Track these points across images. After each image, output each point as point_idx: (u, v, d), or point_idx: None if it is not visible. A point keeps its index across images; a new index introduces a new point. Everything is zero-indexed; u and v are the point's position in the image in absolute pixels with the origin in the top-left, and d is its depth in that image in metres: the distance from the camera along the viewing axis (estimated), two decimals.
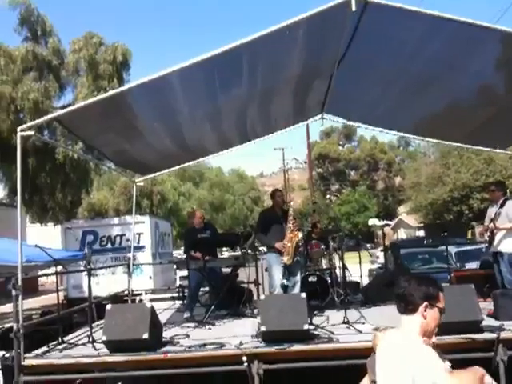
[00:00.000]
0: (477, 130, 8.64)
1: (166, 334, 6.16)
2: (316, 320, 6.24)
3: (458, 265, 11.95)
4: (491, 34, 5.57)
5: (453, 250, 14.64)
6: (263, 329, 5.24)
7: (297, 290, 6.95)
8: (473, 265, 11.03)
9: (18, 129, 5.46)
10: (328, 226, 40.49)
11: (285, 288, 6.91)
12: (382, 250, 20.77)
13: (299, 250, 7.22)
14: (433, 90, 7.56)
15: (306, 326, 5.24)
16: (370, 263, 16.14)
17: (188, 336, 6.09)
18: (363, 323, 6.20)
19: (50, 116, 6.71)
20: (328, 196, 60.25)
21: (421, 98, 7.96)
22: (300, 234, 7.02)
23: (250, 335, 5.74)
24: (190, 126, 7.60)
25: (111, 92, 5.63)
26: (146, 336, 5.23)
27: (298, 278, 7.04)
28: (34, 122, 5.96)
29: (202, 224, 7.94)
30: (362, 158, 68.69)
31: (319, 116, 9.40)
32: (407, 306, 2.31)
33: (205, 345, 5.43)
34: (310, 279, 7.74)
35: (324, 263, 8.25)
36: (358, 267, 8.90)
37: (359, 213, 55.53)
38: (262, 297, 5.70)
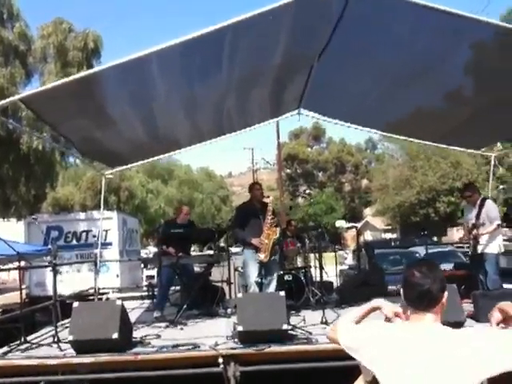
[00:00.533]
0: (455, 130, 8.62)
1: (136, 334, 5.85)
2: (292, 320, 5.99)
3: None
4: (475, 26, 5.47)
5: (422, 251, 14.73)
6: (240, 328, 5.00)
7: (272, 288, 6.72)
8: (446, 266, 11.03)
9: None
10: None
11: (260, 286, 6.67)
12: (353, 251, 20.84)
13: (276, 248, 6.99)
14: (414, 86, 7.43)
15: (284, 326, 5.03)
16: (338, 264, 16.06)
17: (159, 336, 5.78)
18: None
19: (16, 97, 6.31)
20: (306, 193, 60.34)
21: (401, 95, 7.86)
22: (278, 231, 6.78)
23: (225, 336, 5.48)
24: (164, 115, 7.27)
25: (83, 73, 5.27)
26: (115, 336, 4.92)
27: (274, 276, 6.80)
28: None
29: (186, 221, 7.66)
30: (330, 160, 69.02)
31: (296, 111, 9.24)
32: (431, 302, 2.06)
33: (178, 345, 5.15)
34: (286, 278, 7.53)
35: (299, 262, 8.05)
36: (330, 268, 8.75)
37: (326, 214, 55.79)
38: (239, 295, 5.46)
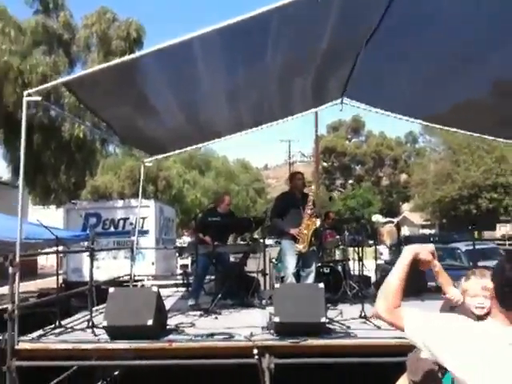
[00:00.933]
0: (506, 121, 8.20)
1: (171, 321, 5.79)
2: (330, 313, 5.83)
3: (471, 264, 11.52)
4: None
5: (462, 247, 14.25)
6: (276, 320, 4.85)
7: (310, 281, 6.53)
8: (485, 265, 10.63)
9: (25, 93, 5.02)
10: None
11: (297, 278, 6.51)
12: (390, 246, 20.40)
13: (316, 238, 6.80)
14: (463, 75, 7.09)
15: (322, 319, 4.86)
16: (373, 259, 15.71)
17: (193, 325, 5.71)
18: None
19: (58, 80, 6.29)
20: (341, 187, 59.81)
21: (448, 84, 7.52)
22: (318, 222, 6.59)
23: (260, 326, 5.36)
24: (205, 102, 7.16)
25: (125, 58, 5.19)
26: (150, 322, 4.85)
27: (313, 268, 6.61)
28: (41, 87, 5.55)
29: (227, 211, 7.57)
30: (369, 154, 68.06)
31: (339, 100, 8.96)
32: None
33: (212, 335, 5.05)
34: (323, 270, 7.34)
35: (337, 254, 7.84)
36: (369, 262, 8.49)
37: (363, 208, 55.09)
38: (277, 285, 5.31)
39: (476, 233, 30.98)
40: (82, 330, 5.53)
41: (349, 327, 5.27)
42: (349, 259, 7.96)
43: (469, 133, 9.84)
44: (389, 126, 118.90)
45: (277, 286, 5.30)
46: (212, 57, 5.63)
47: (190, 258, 14.96)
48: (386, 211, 58.16)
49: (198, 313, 6.41)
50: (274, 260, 11.41)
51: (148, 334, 4.89)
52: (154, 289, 5.26)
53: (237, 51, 5.69)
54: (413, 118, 9.21)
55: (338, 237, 7.98)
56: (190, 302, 7.06)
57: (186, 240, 26.52)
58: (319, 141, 46.56)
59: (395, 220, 56.45)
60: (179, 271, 16.27)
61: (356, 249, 8.06)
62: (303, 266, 6.55)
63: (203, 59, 5.57)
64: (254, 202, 54.14)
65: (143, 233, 13.53)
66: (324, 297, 5.08)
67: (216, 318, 6.19)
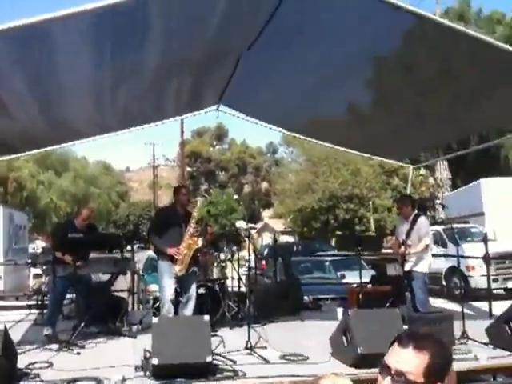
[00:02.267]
0: (376, 138, 8.43)
1: (22, 359, 4.78)
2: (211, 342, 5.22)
3: (339, 275, 11.65)
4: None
5: (327, 258, 14.50)
6: (155, 362, 4.13)
7: (190, 307, 5.87)
8: (352, 276, 10.75)
9: None
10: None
11: (176, 305, 5.80)
12: (255, 252, 20.38)
13: (197, 260, 6.14)
14: (344, 88, 7.08)
15: (208, 358, 4.24)
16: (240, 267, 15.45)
17: (51, 364, 4.75)
18: (265, 348, 5.36)
19: None
20: (205, 193, 59.62)
21: (326, 97, 7.48)
22: (200, 242, 5.94)
23: (133, 365, 4.59)
24: (63, 99, 6.18)
25: None
26: None
27: (192, 292, 5.93)
28: None
29: (84, 225, 6.43)
30: (232, 160, 68.95)
31: (215, 107, 8.53)
32: None
33: (75, 381, 4.18)
34: (200, 291, 6.72)
35: (215, 273, 7.26)
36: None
37: (227, 214, 55.41)
38: (155, 320, 4.57)
39: (334, 240, 32.55)
40: None
41: (235, 362, 4.71)
42: (227, 278, 7.43)
43: (326, 144, 10.09)
44: (250, 135, 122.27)
45: (154, 320, 4.55)
46: (73, 46, 4.78)
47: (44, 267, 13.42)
48: (248, 218, 59.29)
49: (56, 346, 5.42)
50: (140, 271, 10.55)
51: None
52: (0, 327, 4.23)
53: (104, 42, 4.91)
54: (281, 127, 9.35)
55: (215, 253, 7.42)
56: (46, 332, 6.01)
57: (39, 245, 24.19)
58: (184, 144, 46.01)
59: (257, 226, 57.86)
60: (32, 282, 14.57)
61: (233, 263, 7.63)
62: (182, 290, 5.86)
63: (61, 47, 4.69)
64: (117, 206, 51.92)
65: None
66: (210, 331, 4.48)
67: (78, 353, 5.25)
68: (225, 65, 6.79)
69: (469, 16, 32.52)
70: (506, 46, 5.37)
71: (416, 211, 6.81)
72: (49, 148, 9.09)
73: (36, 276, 14.04)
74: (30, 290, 10.62)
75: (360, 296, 6.55)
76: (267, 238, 51.82)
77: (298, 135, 10.28)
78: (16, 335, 6.07)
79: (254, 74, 7.05)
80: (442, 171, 29.52)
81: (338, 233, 30.03)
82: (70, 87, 5.95)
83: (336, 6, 5.13)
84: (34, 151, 9.54)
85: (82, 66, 5.44)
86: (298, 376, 4.31)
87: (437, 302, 9.87)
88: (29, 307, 7.92)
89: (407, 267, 6.49)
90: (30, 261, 15.60)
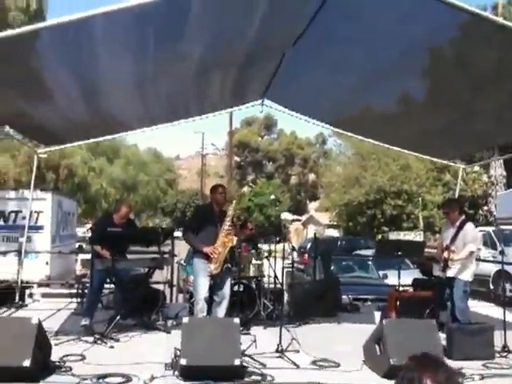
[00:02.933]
0: (427, 136, 8.16)
1: (56, 350, 4.89)
2: (243, 341, 5.13)
3: (381, 275, 11.40)
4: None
5: (368, 254, 14.21)
6: (183, 362, 4.14)
7: (224, 306, 5.85)
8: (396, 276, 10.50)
9: None
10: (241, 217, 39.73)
11: (209, 303, 5.79)
12: (299, 248, 20.24)
13: (233, 257, 6.11)
14: (390, 88, 6.91)
15: (237, 362, 4.21)
16: (280, 259, 15.30)
17: (83, 358, 4.84)
18: (297, 351, 5.29)
19: None
20: (250, 183, 59.91)
21: (373, 94, 7.29)
22: (235, 240, 5.91)
23: (163, 362, 4.62)
24: (110, 91, 6.27)
25: (14, 31, 4.18)
26: (27, 363, 3.96)
27: (226, 291, 5.90)
28: None
29: (123, 222, 6.47)
30: (280, 151, 68.77)
31: (259, 101, 8.45)
32: None
33: (105, 376, 4.24)
34: (236, 289, 6.70)
35: (252, 270, 7.23)
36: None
37: (272, 206, 55.36)
38: (185, 320, 4.57)
39: (380, 236, 31.99)
40: None
41: (265, 365, 4.66)
42: (264, 276, 7.39)
43: (374, 142, 9.81)
44: (300, 125, 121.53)
45: (185, 320, 4.54)
46: (119, 40, 4.82)
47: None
48: (294, 209, 59.05)
49: (91, 338, 5.52)
50: (182, 261, 10.67)
51: (24, 376, 3.99)
52: (34, 320, 4.32)
53: (148, 36, 4.92)
54: (326, 123, 9.15)
55: (253, 251, 7.38)
56: (83, 322, 6.15)
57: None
58: (233, 135, 46.23)
59: (302, 218, 57.63)
60: (79, 267, 14.98)
61: (271, 260, 7.55)
62: (216, 289, 5.84)
63: (107, 42, 4.76)
64: (165, 193, 52.75)
65: (37, 228, 12.19)
66: (239, 333, 4.45)
67: (112, 346, 5.34)
68: (269, 60, 6.73)
69: None
70: None
71: (464, 216, 6.53)
72: (96, 139, 9.26)
73: (84, 262, 14.44)
74: (74, 276, 10.90)
75: (398, 302, 6.34)
76: (313, 231, 51.62)
77: (344, 132, 10.09)
78: (55, 324, 6.27)
79: (299, 68, 6.95)
80: (497, 168, 28.46)
81: (379, 237, 29.50)
82: (113, 80, 6.03)
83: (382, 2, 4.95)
84: (82, 142, 9.78)
85: (127, 61, 5.50)
86: None
87: (484, 306, 9.49)
88: (70, 295, 8.12)
89: (450, 273, 6.25)
90: (77, 245, 16.15)
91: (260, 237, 8.18)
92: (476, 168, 26.78)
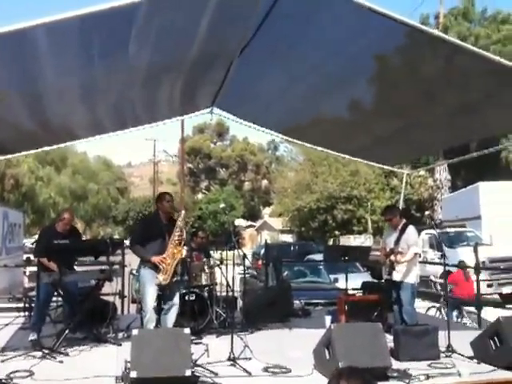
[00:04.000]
0: (371, 144, 8.38)
1: (3, 367, 4.77)
2: (195, 350, 5.15)
3: (332, 279, 11.60)
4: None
5: (320, 257, 14.43)
6: (133, 375, 4.11)
7: (172, 315, 5.83)
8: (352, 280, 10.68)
9: None
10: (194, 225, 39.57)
11: (159, 312, 5.76)
12: (253, 254, 20.35)
13: (184, 267, 6.10)
14: (337, 97, 7.09)
15: (188, 372, 4.21)
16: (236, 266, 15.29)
17: (32, 373, 4.72)
18: (249, 359, 5.33)
19: None
20: (205, 190, 59.58)
21: (321, 104, 7.46)
22: (184, 251, 5.91)
23: (113, 376, 4.57)
24: (55, 101, 6.16)
25: None
26: None
27: (176, 300, 5.87)
28: None
29: (66, 229, 6.37)
30: (233, 158, 68.87)
31: (208, 110, 8.48)
32: None
33: None
34: (187, 297, 6.70)
35: (204, 278, 7.23)
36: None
37: (223, 213, 55.29)
38: (135, 332, 4.54)
39: (332, 241, 32.56)
40: None
41: (217, 374, 4.69)
42: (216, 284, 7.41)
43: (334, 153, 10.02)
44: (252, 132, 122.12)
45: (134, 332, 4.52)
46: (61, 47, 4.77)
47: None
48: (248, 215, 59.23)
49: (40, 353, 5.39)
50: (133, 271, 10.53)
51: None
52: None
53: (93, 46, 4.89)
54: (275, 131, 9.22)
55: (204, 259, 7.39)
56: (31, 337, 5.99)
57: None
58: (185, 141, 46.03)
59: (256, 224, 57.79)
60: (26, 281, 14.54)
61: (222, 268, 7.55)
62: (165, 298, 5.81)
63: (50, 52, 4.71)
64: (116, 202, 51.91)
65: None
66: (190, 343, 4.45)
67: (61, 361, 5.22)
68: (217, 68, 6.76)
69: (473, 15, 32.36)
70: (498, 59, 5.33)
71: (404, 220, 6.76)
72: (45, 148, 9.04)
73: (31, 274, 14.03)
74: (21, 290, 10.59)
75: (346, 306, 6.50)
76: (267, 236, 51.95)
77: (293, 140, 10.22)
78: (1, 340, 6.09)
79: (247, 77, 7.02)
80: (442, 172, 29.49)
81: (331, 241, 30.03)
82: (59, 89, 5.93)
83: (331, 9, 5.08)
84: (28, 152, 9.52)
85: (71, 69, 5.43)
86: None
87: (429, 306, 9.82)
88: (17, 310, 7.89)
89: (396, 277, 6.45)
90: (25, 257, 15.67)
91: (212, 245, 8.17)
92: (422, 172, 27.66)
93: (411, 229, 6.56)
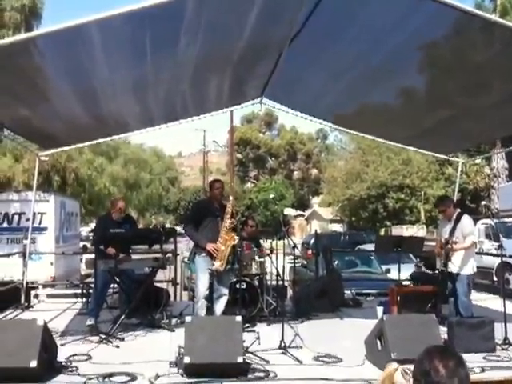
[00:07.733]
0: (426, 130, 8.17)
1: (63, 351, 4.97)
2: (246, 338, 5.18)
3: (384, 269, 11.43)
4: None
5: (371, 247, 14.22)
6: (187, 360, 4.21)
7: (221, 305, 5.92)
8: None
9: None
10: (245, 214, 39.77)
11: (210, 300, 5.86)
12: (302, 243, 20.28)
13: (235, 255, 6.18)
14: (386, 85, 6.95)
15: (239, 359, 4.27)
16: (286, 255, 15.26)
17: (89, 357, 4.92)
18: (300, 347, 5.35)
19: None
20: (253, 179, 59.87)
21: (371, 93, 7.33)
22: (237, 238, 5.97)
23: (167, 360, 4.69)
24: (108, 94, 6.33)
25: (11, 38, 4.27)
26: (33, 364, 4.03)
27: (225, 291, 5.95)
28: None
29: (121, 217, 6.61)
30: (282, 147, 68.76)
31: (258, 100, 8.49)
32: None
33: (111, 375, 4.31)
34: (238, 286, 6.76)
35: (254, 267, 7.29)
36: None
37: (276, 201, 55.34)
38: (188, 318, 4.63)
39: (383, 231, 32.01)
40: None
41: (268, 362, 4.73)
42: (266, 273, 7.45)
43: (390, 142, 9.83)
44: (300, 121, 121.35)
45: (187, 318, 4.61)
46: (114, 44, 4.90)
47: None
48: (297, 204, 59.09)
49: (97, 338, 5.59)
50: (185, 259, 10.74)
51: (31, 377, 4.07)
52: (40, 322, 4.39)
53: (144, 40, 4.98)
54: (324, 120, 9.18)
55: (255, 249, 7.43)
56: (89, 322, 6.23)
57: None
58: (234, 132, 46.29)
59: (306, 213, 57.52)
60: (84, 267, 15.10)
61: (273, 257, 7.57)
62: (215, 286, 5.90)
63: (103, 47, 4.84)
64: (167, 191, 52.84)
65: (41, 230, 12.33)
66: (242, 331, 4.51)
67: (117, 346, 5.41)
68: (266, 59, 6.76)
69: None
70: None
71: (458, 210, 6.56)
72: (98, 141, 9.31)
73: (88, 262, 14.54)
74: (78, 276, 10.99)
75: (398, 298, 6.40)
76: (316, 226, 51.67)
77: (344, 129, 10.12)
78: (61, 325, 6.35)
79: (296, 67, 6.98)
80: (499, 160, 28.39)
81: (382, 231, 29.50)
82: (112, 84, 6.10)
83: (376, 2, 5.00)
84: (82, 144, 9.81)
85: (123, 64, 5.57)
86: (329, 380, 4.29)
87: (487, 299, 9.53)
88: (75, 296, 8.20)
89: (452, 269, 6.29)
90: (82, 245, 16.29)
91: (261, 234, 8.19)
92: (478, 160, 26.75)
93: (466, 218, 6.38)
